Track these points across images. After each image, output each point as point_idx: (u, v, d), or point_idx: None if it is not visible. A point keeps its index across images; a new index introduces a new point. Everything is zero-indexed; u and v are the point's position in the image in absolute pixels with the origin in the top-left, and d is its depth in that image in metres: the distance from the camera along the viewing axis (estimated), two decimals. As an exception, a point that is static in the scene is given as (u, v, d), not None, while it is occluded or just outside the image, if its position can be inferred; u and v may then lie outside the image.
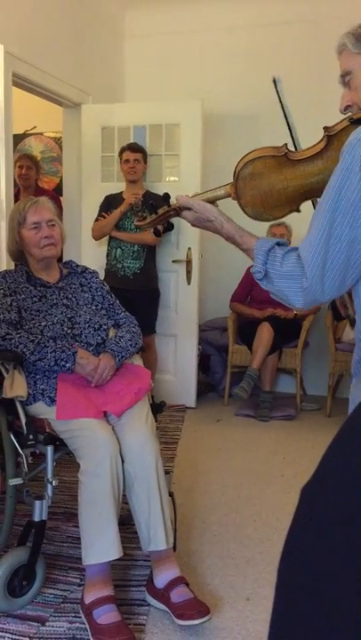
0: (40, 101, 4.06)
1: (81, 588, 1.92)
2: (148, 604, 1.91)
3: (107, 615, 1.72)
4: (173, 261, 4.07)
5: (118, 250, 3.90)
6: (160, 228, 1.52)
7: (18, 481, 1.91)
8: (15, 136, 3.64)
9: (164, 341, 4.21)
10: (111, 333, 2.26)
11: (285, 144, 1.35)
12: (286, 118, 1.44)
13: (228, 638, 1.77)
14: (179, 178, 4.15)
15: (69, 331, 2.12)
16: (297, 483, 2.93)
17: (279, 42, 4.46)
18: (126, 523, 2.13)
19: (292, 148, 1.40)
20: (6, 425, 1.98)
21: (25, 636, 1.74)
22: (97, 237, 3.98)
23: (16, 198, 3.72)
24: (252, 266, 1.28)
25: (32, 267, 2.25)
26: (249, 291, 4.42)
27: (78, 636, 1.74)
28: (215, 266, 4.58)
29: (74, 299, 2.24)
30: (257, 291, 4.33)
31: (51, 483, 1.92)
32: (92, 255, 4.12)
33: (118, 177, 4.16)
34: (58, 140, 5.36)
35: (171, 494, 2.01)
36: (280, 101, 1.44)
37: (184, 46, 4.70)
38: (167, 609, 1.83)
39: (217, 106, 4.44)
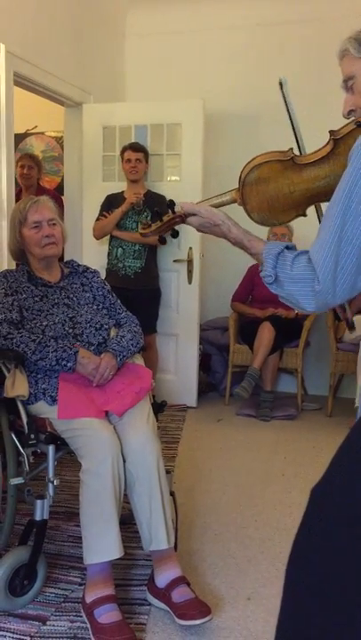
0: (41, 101, 4.06)
1: (82, 587, 1.92)
2: (149, 604, 1.91)
3: (108, 614, 1.72)
4: (175, 261, 4.06)
5: (119, 249, 3.90)
6: (165, 235, 1.51)
7: (19, 480, 1.91)
8: (16, 135, 3.64)
9: (165, 341, 4.21)
10: (112, 333, 2.26)
11: (291, 148, 1.34)
12: (291, 121, 1.43)
13: (230, 638, 1.77)
14: (180, 177, 4.15)
15: (70, 330, 2.12)
16: (298, 482, 2.93)
17: (280, 41, 4.46)
18: (127, 522, 2.13)
19: (297, 151, 1.40)
20: (7, 424, 1.98)
21: (26, 636, 1.75)
22: (98, 237, 3.98)
23: (18, 198, 3.72)
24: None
25: (33, 266, 2.25)
26: (250, 290, 4.42)
27: (79, 636, 1.75)
28: (216, 265, 4.58)
29: (75, 298, 2.24)
30: (258, 290, 4.33)
31: (52, 482, 1.92)
32: (93, 254, 4.12)
33: (119, 176, 4.16)
34: (59, 140, 5.36)
35: (172, 494, 2.01)
36: (286, 104, 1.43)
37: (185, 46, 4.70)
38: (168, 609, 1.83)
39: (218, 105, 4.45)
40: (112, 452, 1.82)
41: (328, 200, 1.16)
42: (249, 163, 1.35)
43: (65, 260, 2.41)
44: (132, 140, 4.05)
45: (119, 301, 2.37)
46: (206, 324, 4.61)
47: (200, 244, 4.06)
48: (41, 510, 1.87)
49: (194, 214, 1.36)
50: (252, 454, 3.34)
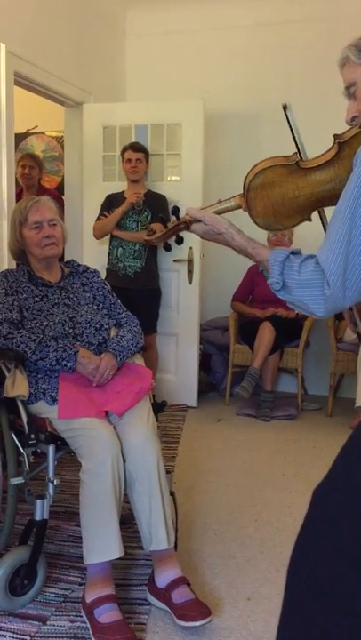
0: (42, 100, 4.06)
1: (82, 587, 1.92)
2: (150, 604, 1.91)
3: (108, 614, 1.72)
4: (175, 261, 4.06)
5: (120, 249, 3.90)
6: (170, 242, 1.51)
7: (19, 480, 1.91)
8: (17, 135, 3.64)
9: (165, 341, 4.21)
10: (112, 333, 2.26)
11: (296, 152, 1.34)
12: (295, 140, 1.41)
13: (230, 638, 1.77)
14: (180, 177, 4.15)
15: (71, 330, 2.12)
16: (298, 482, 2.93)
17: (281, 41, 4.45)
18: (127, 522, 2.13)
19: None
20: (8, 424, 1.98)
21: (26, 635, 1.75)
22: (98, 236, 3.98)
23: (19, 198, 3.72)
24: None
25: (33, 266, 2.25)
26: (250, 290, 4.42)
27: (79, 635, 1.75)
28: (216, 265, 4.58)
29: (75, 298, 2.24)
30: (258, 290, 4.33)
31: (52, 482, 1.92)
32: (93, 254, 4.12)
33: (120, 176, 4.16)
34: (59, 140, 5.36)
35: (172, 494, 2.01)
36: (290, 128, 1.42)
37: (185, 45, 4.70)
38: (168, 609, 1.83)
39: (219, 105, 4.44)
40: (112, 452, 1.82)
41: (333, 204, 1.16)
42: (253, 168, 1.35)
43: (65, 260, 2.41)
44: (133, 140, 4.05)
45: (119, 301, 2.37)
46: (206, 323, 4.61)
47: (200, 244, 4.06)
48: (41, 510, 1.88)
49: (198, 221, 1.36)
50: (253, 454, 3.34)
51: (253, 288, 4.38)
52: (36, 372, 2.04)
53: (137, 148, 3.89)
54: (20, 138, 5.26)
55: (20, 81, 3.45)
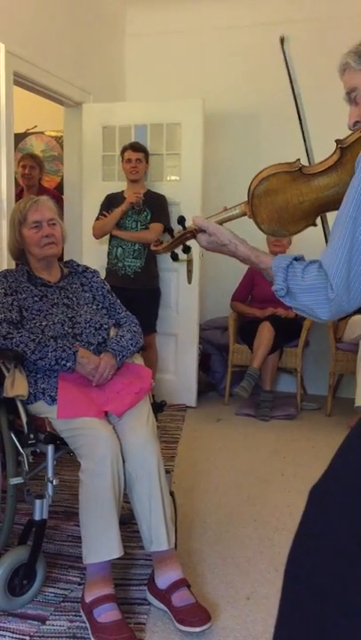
0: (41, 100, 4.05)
1: (81, 586, 1.92)
2: (149, 604, 1.91)
3: (107, 614, 1.72)
4: (174, 260, 4.06)
5: (119, 249, 3.90)
6: (177, 252, 1.53)
7: (18, 480, 1.91)
8: (16, 135, 3.64)
9: (164, 341, 4.21)
10: (112, 333, 2.26)
11: (298, 159, 1.35)
12: (292, 84, 1.41)
13: (229, 637, 1.77)
14: (180, 177, 4.15)
15: (70, 330, 2.12)
16: (297, 482, 2.93)
17: (279, 40, 4.44)
18: (127, 522, 2.13)
19: (303, 143, 1.40)
20: (7, 424, 1.98)
21: (25, 635, 1.75)
22: (98, 236, 3.98)
23: (19, 198, 3.72)
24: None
25: (33, 266, 2.25)
26: (250, 290, 4.42)
27: (79, 635, 1.75)
28: (216, 265, 4.57)
29: (74, 298, 2.24)
30: (258, 290, 4.33)
31: (51, 482, 1.92)
32: (92, 254, 4.12)
33: (119, 176, 4.16)
34: (59, 139, 5.36)
35: (171, 494, 2.01)
36: (286, 65, 1.42)
37: (185, 45, 4.70)
38: (168, 611, 1.83)
39: (218, 105, 4.44)
40: (111, 452, 1.82)
41: (338, 209, 1.16)
42: (257, 175, 1.36)
43: (64, 260, 2.41)
44: (132, 140, 4.05)
45: (119, 301, 2.37)
46: (206, 323, 4.62)
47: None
48: (40, 510, 1.88)
49: (203, 230, 1.37)
50: (252, 454, 3.34)
51: (253, 288, 4.38)
52: (35, 372, 2.04)
53: (137, 147, 3.89)
54: (19, 138, 5.26)
55: (20, 81, 3.45)
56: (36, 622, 1.80)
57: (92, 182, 4.25)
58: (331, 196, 1.31)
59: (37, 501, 1.87)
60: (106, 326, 2.22)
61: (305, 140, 1.44)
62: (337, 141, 1.31)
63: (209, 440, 3.58)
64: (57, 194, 4.53)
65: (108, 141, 4.23)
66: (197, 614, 1.77)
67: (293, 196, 1.33)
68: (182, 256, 1.57)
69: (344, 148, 1.29)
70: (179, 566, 1.91)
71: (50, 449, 1.95)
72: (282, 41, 1.42)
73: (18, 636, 1.74)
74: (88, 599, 1.78)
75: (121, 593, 1.92)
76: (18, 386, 1.96)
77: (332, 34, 4.18)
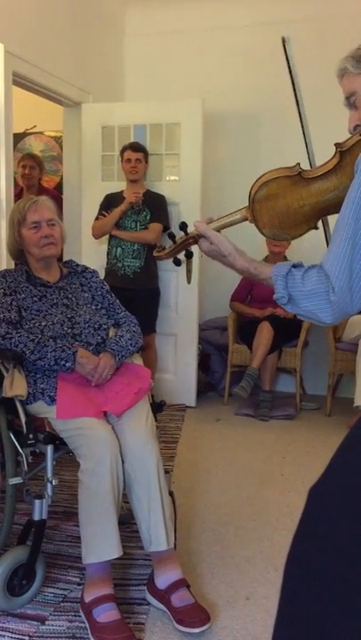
0: (40, 100, 4.05)
1: (81, 586, 1.92)
2: (148, 603, 1.91)
3: (106, 614, 1.72)
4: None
5: (118, 249, 3.90)
6: (180, 257, 1.53)
7: (18, 480, 1.91)
8: (15, 135, 3.64)
9: (164, 341, 4.21)
10: (111, 333, 2.26)
11: (298, 163, 1.36)
12: (293, 85, 1.42)
13: (228, 637, 1.77)
14: (179, 177, 4.15)
15: (69, 330, 2.12)
16: (297, 482, 2.93)
17: (281, 41, 4.45)
18: (127, 522, 2.13)
19: (303, 143, 1.40)
20: (6, 424, 1.98)
21: (25, 635, 1.75)
22: (97, 236, 3.98)
23: (19, 198, 3.72)
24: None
25: (32, 266, 2.25)
26: (249, 290, 4.42)
27: (78, 635, 1.75)
28: (215, 265, 4.53)
29: (74, 298, 2.24)
30: (257, 290, 4.33)
31: (51, 482, 1.92)
32: (92, 254, 4.12)
33: (119, 176, 4.16)
34: (58, 139, 5.36)
35: (171, 494, 2.01)
36: (288, 64, 1.42)
37: (185, 45, 4.70)
38: (167, 611, 1.83)
39: (217, 105, 4.44)
40: (110, 452, 1.82)
41: (338, 212, 1.17)
42: (257, 180, 1.36)
43: (64, 260, 2.41)
44: (131, 140, 4.05)
45: (118, 301, 2.37)
46: (205, 323, 4.62)
47: (199, 244, 4.06)
48: (39, 510, 1.87)
49: (205, 237, 1.37)
50: (251, 454, 3.34)
51: (252, 288, 4.38)
52: (34, 372, 2.04)
53: (136, 147, 3.89)
54: (18, 138, 5.26)
55: (19, 81, 3.45)
56: (35, 622, 1.80)
57: (91, 182, 4.25)
58: (331, 199, 1.31)
59: (37, 501, 1.87)
60: (105, 326, 2.22)
61: (306, 144, 1.44)
62: (336, 145, 1.31)
63: (208, 440, 3.58)
64: (57, 194, 4.53)
65: (107, 141, 4.23)
66: (197, 614, 1.77)
67: (294, 201, 1.33)
68: (180, 256, 1.56)
69: (343, 152, 1.29)
70: (178, 566, 1.91)
71: (49, 449, 1.94)
72: (284, 42, 1.42)
73: (17, 636, 1.74)
74: (87, 599, 1.78)
75: (120, 593, 1.91)
76: (17, 386, 1.96)
77: (332, 34, 4.18)
